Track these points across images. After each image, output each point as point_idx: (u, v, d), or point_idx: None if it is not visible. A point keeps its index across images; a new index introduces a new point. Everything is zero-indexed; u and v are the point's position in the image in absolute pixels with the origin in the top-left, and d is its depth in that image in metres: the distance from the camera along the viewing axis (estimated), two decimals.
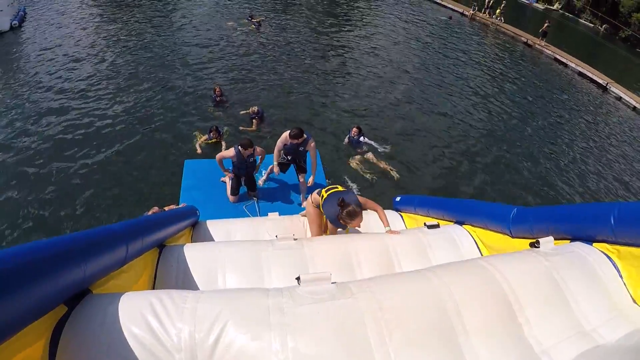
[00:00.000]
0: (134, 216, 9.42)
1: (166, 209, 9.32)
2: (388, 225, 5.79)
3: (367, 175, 13.27)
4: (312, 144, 9.15)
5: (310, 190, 10.06)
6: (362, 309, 2.86)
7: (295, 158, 9.68)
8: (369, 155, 14.09)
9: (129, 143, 13.30)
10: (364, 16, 34.32)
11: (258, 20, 26.55)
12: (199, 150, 12.89)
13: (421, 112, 19.12)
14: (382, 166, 13.75)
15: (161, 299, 2.66)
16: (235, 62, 20.93)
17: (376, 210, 5.93)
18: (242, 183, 10.00)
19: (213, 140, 13.15)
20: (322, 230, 6.38)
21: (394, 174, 13.49)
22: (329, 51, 24.87)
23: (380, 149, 14.57)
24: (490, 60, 29.32)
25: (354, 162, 13.77)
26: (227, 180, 10.01)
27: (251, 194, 10.17)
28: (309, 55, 23.69)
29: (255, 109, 15.03)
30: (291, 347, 2.53)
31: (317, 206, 6.06)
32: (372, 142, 14.56)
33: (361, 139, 14.31)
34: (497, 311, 3.10)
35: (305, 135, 9.03)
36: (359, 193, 10.75)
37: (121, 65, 19.15)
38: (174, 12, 27.73)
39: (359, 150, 14.32)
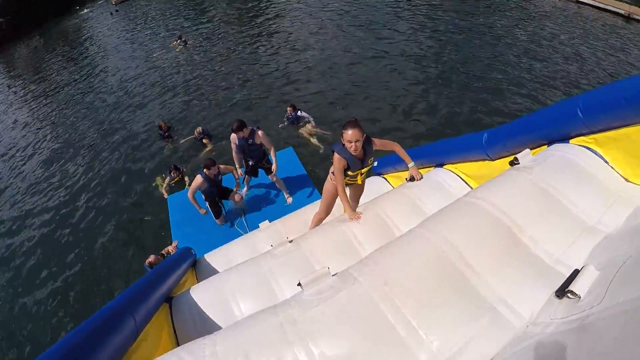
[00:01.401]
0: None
1: (164, 252, 9.28)
2: (411, 162, 5.65)
3: (315, 145, 13.66)
4: (260, 133, 8.97)
5: (288, 185, 10.12)
6: (369, 291, 2.83)
7: (256, 160, 9.52)
8: (309, 126, 14.49)
9: (90, 221, 12.77)
10: None
11: (184, 39, 26.30)
12: (165, 195, 12.31)
13: (355, 70, 19.13)
14: (321, 134, 14.14)
15: (181, 357, 2.61)
16: (171, 89, 20.58)
17: (394, 149, 5.67)
18: (220, 202, 9.78)
19: (176, 180, 12.75)
20: (331, 209, 6.21)
21: (330, 139, 13.82)
22: (254, 44, 24.69)
23: (319, 119, 14.87)
24: None
25: (298, 132, 14.44)
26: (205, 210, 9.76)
27: (235, 203, 9.96)
28: (237, 54, 23.53)
29: (200, 129, 14.85)
30: (318, 354, 2.50)
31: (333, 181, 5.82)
32: (309, 116, 14.84)
33: (298, 113, 14.72)
34: (499, 241, 3.08)
35: (249, 127, 8.88)
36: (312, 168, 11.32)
37: (52, 140, 18.74)
38: (95, 66, 27.18)
39: (300, 125, 14.74)
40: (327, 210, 6.21)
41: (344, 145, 5.00)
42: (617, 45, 20.38)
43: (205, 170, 8.84)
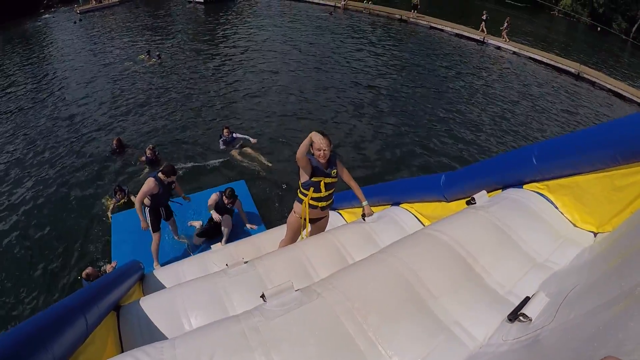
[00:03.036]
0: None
1: (100, 272, 9.08)
2: (365, 200, 5.83)
3: (253, 167, 14.16)
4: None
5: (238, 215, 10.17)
6: (331, 305, 2.91)
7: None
8: (246, 149, 14.97)
9: (27, 239, 11.78)
10: (243, 25, 34.63)
11: (158, 53, 26.07)
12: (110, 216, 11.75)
13: (311, 107, 19.64)
14: (258, 157, 14.68)
15: (137, 357, 2.59)
16: (130, 104, 20.00)
17: (350, 184, 5.89)
18: (163, 215, 9.10)
19: (122, 201, 12.19)
20: (295, 239, 6.30)
21: (267, 162, 14.39)
22: (215, 63, 25.33)
23: (254, 140, 15.08)
24: (371, 42, 30.13)
25: (235, 154, 14.75)
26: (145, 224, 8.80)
27: (169, 221, 9.51)
28: (200, 73, 23.78)
29: (150, 146, 14.51)
30: None
31: (299, 216, 5.90)
32: (246, 136, 15.15)
33: (234, 135, 14.99)
34: (455, 269, 3.23)
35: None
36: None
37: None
38: (53, 73, 25.58)
39: (235, 147, 15.07)
40: (292, 240, 6.30)
41: (312, 154, 5.33)
42: (568, 101, 21.38)
43: (161, 175, 8.35)
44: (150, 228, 8.80)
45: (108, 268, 9.02)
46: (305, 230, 6.14)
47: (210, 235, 9.99)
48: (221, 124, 16.90)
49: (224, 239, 9.74)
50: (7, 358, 2.00)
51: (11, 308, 9.51)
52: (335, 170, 5.57)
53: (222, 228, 9.79)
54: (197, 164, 14.61)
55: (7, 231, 12.08)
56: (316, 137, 5.20)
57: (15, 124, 18.92)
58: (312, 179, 5.48)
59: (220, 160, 14.63)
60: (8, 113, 20.01)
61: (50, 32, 35.19)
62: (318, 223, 6.07)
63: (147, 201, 8.55)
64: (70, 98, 21.32)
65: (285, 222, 6.30)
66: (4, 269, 10.64)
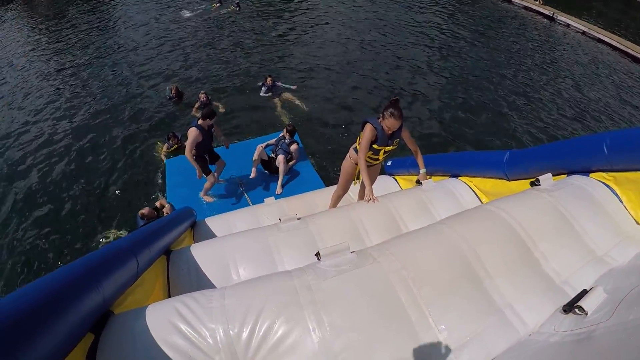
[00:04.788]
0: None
1: (158, 204, 9.36)
2: (424, 168, 5.88)
3: (297, 115, 14.62)
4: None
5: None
6: (387, 271, 2.91)
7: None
8: (287, 95, 15.60)
9: (81, 169, 12.71)
10: None
11: (237, 2, 26.59)
12: (164, 159, 12.39)
13: (369, 63, 19.65)
14: (302, 104, 15.25)
15: (186, 303, 2.65)
16: (194, 53, 20.56)
17: (414, 149, 5.87)
18: (208, 160, 9.49)
19: (174, 147, 12.63)
20: (348, 186, 6.44)
21: (312, 111, 14.93)
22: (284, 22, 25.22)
23: (294, 86, 15.94)
24: (436, 9, 29.36)
25: (278, 102, 15.31)
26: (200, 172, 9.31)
27: (219, 163, 9.84)
28: (269, 28, 23.94)
29: (203, 91, 14.96)
30: (328, 322, 2.55)
31: (354, 162, 5.99)
32: (287, 85, 15.94)
33: (276, 83, 15.65)
34: (513, 250, 3.22)
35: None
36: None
37: (69, 91, 18.02)
38: (119, 18, 26.75)
39: (277, 95, 15.63)
40: (345, 188, 6.42)
41: (380, 121, 5.25)
42: (636, 90, 20.59)
43: (200, 120, 8.62)
44: (203, 174, 9.23)
45: (164, 204, 9.33)
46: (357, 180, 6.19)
47: (268, 166, 10.50)
48: (271, 72, 17.28)
49: (279, 182, 10.11)
50: (61, 296, 2.06)
51: (69, 243, 9.96)
52: (397, 140, 5.54)
53: (278, 165, 10.19)
54: (243, 112, 15.11)
55: (66, 171, 12.67)
56: (390, 118, 5.12)
57: (82, 71, 19.65)
58: (372, 146, 5.47)
59: (264, 108, 15.17)
60: (75, 61, 20.78)
61: None
62: (371, 168, 5.99)
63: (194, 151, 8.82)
64: (135, 47, 22.07)
65: (337, 175, 6.43)
66: (62, 209, 11.11)
